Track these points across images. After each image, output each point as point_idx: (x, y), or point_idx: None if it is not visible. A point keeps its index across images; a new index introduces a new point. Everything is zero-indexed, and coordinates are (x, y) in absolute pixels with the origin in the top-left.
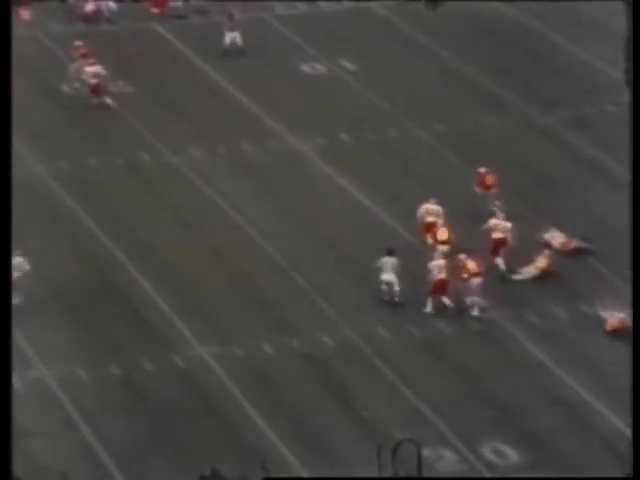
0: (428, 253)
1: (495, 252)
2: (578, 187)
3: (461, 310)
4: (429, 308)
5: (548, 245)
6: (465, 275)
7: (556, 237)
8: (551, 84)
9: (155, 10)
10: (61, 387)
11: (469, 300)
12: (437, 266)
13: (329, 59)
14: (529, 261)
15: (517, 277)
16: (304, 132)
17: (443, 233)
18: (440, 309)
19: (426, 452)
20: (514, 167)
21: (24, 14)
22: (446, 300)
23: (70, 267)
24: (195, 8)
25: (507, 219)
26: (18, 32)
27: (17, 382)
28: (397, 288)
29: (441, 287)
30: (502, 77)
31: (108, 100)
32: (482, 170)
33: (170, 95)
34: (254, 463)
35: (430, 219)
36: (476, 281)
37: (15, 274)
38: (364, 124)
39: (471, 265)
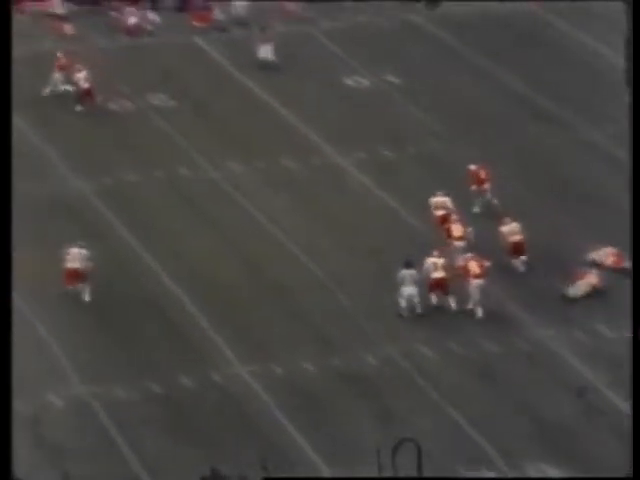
0: (446, 249)
1: (516, 254)
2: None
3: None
4: (434, 301)
5: (597, 264)
6: (466, 275)
7: (606, 254)
8: (598, 98)
9: (197, 23)
10: (99, 403)
11: (472, 302)
12: (432, 264)
13: (373, 72)
14: (580, 277)
15: (572, 293)
16: (345, 146)
17: (457, 229)
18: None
19: (469, 472)
20: (560, 182)
21: (66, 28)
22: (451, 301)
23: (108, 282)
24: (237, 21)
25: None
26: (60, 46)
27: (55, 399)
28: (417, 300)
29: (438, 286)
30: (548, 90)
31: (112, 105)
32: (473, 167)
33: (211, 109)
34: (254, 463)
35: (440, 212)
36: (476, 282)
37: (81, 265)
38: (407, 138)
39: (472, 266)
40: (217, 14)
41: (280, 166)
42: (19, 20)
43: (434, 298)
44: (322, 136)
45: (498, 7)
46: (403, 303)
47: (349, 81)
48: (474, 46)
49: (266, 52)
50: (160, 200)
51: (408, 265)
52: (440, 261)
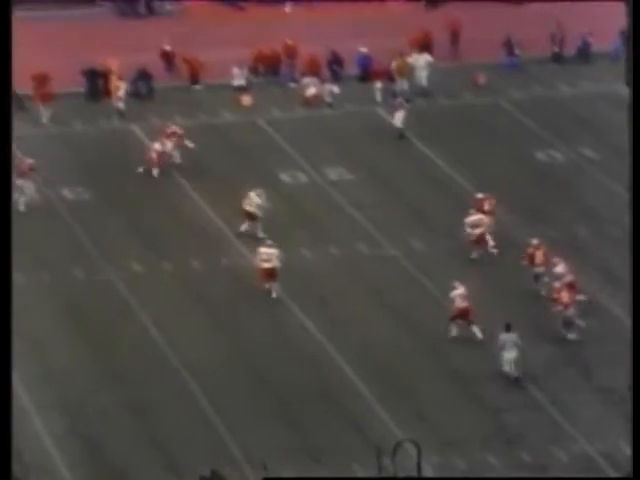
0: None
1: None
2: None
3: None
4: (454, 332)
5: None
6: (558, 305)
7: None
8: None
9: (379, 84)
10: None
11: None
12: (459, 296)
13: (567, 146)
14: None
15: None
16: (535, 223)
17: (539, 256)
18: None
19: None
20: None
21: (245, 99)
22: (476, 330)
23: (282, 364)
24: (419, 90)
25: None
26: (237, 117)
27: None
28: (516, 367)
29: (464, 315)
30: None
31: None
32: (480, 195)
33: (390, 182)
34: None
35: (477, 231)
36: (569, 312)
37: (271, 264)
38: (603, 217)
39: (564, 295)
40: (400, 84)
41: (463, 244)
42: (197, 91)
43: (454, 330)
44: (510, 212)
45: None
46: (507, 368)
47: (541, 155)
48: None
49: (397, 119)
50: (336, 278)
51: (508, 328)
52: (461, 291)
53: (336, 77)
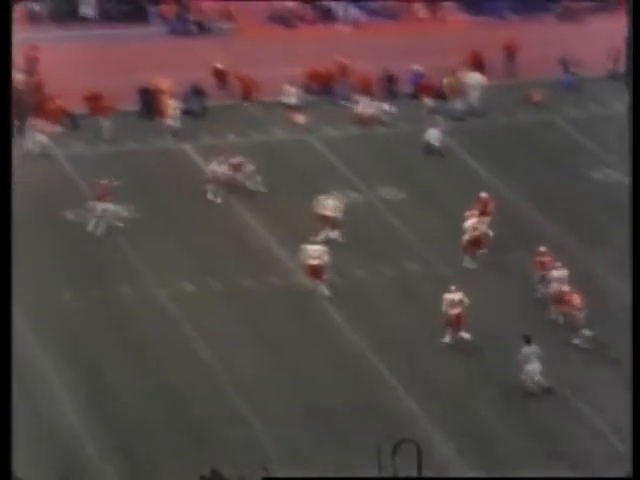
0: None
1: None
2: None
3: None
4: (447, 339)
5: None
6: (568, 308)
7: None
8: None
9: (430, 102)
10: None
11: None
12: (450, 301)
13: (623, 164)
14: None
15: None
16: (594, 244)
17: (548, 263)
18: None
19: None
20: None
21: (298, 117)
22: (465, 334)
23: (333, 383)
24: (473, 110)
25: None
26: (290, 136)
27: None
28: (538, 377)
29: (456, 322)
30: None
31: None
32: (484, 195)
33: (443, 202)
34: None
35: (475, 234)
36: (581, 315)
37: (317, 261)
38: None
39: (575, 299)
40: (453, 102)
41: (515, 263)
42: (251, 109)
43: (449, 336)
44: (568, 232)
45: None
46: (528, 381)
47: (597, 174)
48: None
49: (431, 136)
50: (388, 297)
51: (528, 341)
52: (457, 296)
53: (390, 95)
